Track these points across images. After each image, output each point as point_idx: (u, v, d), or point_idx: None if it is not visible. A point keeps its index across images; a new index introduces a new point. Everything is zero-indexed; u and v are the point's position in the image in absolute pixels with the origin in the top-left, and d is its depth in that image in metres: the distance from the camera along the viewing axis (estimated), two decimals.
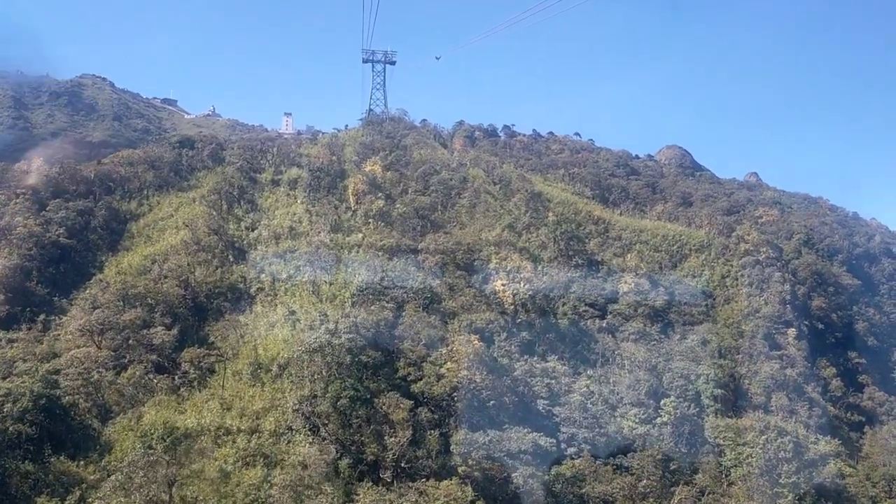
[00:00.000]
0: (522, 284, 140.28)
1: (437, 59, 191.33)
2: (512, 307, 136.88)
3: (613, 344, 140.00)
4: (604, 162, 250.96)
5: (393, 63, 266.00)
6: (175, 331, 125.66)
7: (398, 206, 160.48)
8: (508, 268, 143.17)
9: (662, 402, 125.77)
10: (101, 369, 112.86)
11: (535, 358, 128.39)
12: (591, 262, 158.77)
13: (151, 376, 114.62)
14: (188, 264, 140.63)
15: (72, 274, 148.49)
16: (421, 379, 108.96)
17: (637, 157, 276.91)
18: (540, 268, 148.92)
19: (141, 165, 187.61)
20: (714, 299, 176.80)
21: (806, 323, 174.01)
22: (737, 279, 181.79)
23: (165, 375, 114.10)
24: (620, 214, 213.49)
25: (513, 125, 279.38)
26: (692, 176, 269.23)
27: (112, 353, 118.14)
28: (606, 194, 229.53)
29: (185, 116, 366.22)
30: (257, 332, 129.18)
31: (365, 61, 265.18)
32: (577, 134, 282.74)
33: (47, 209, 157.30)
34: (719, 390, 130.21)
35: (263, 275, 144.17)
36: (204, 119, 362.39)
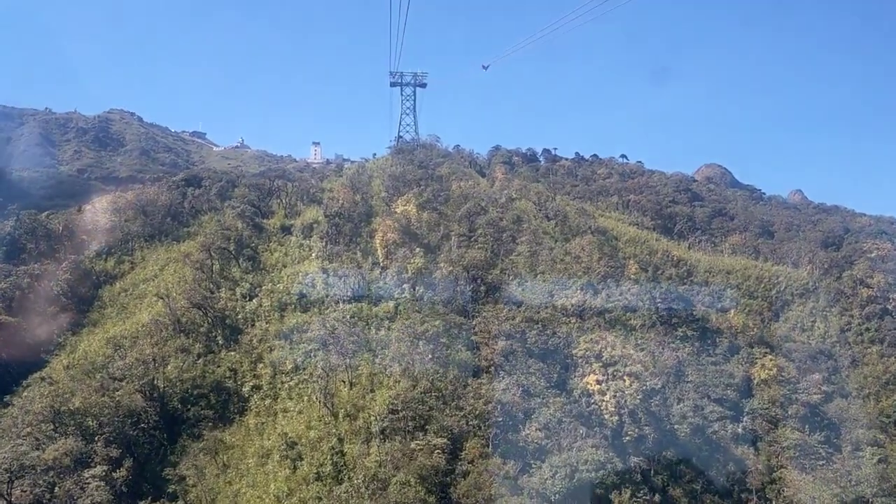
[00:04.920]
0: (628, 383, 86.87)
1: (485, 68, 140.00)
2: (616, 418, 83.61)
3: (764, 468, 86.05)
4: (661, 187, 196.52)
5: (423, 86, 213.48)
6: (125, 469, 75.38)
7: (441, 264, 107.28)
8: (603, 355, 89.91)
9: None
10: None
11: None
12: (704, 332, 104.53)
13: None
14: (154, 360, 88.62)
15: (16, 365, 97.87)
16: None
17: (694, 179, 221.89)
18: (639, 346, 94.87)
19: (129, 211, 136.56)
20: (836, 360, 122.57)
21: None
22: (861, 334, 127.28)
23: None
24: (689, 247, 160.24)
25: (555, 149, 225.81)
26: (760, 199, 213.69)
27: None
28: (669, 224, 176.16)
29: (214, 149, 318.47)
30: (244, 465, 77.49)
31: (393, 85, 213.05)
32: (623, 156, 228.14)
33: None
34: None
35: (261, 365, 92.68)
36: (232, 151, 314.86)
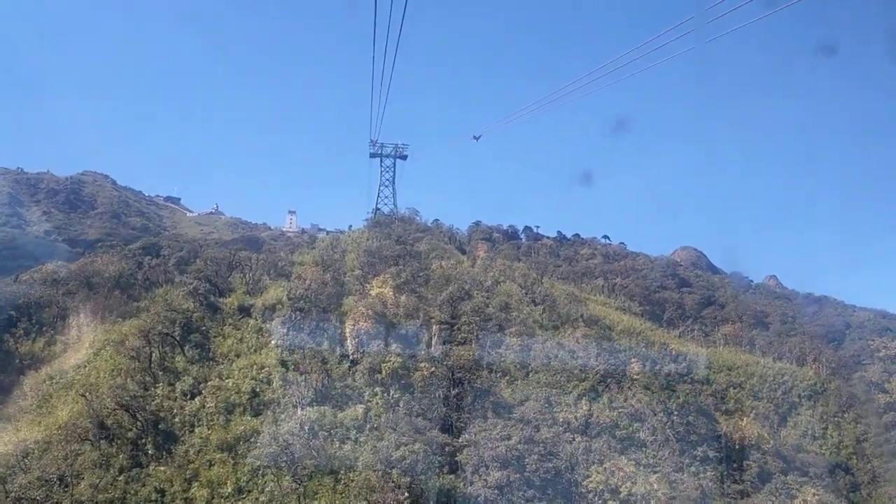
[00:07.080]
0: None
1: (476, 139, 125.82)
2: None
3: None
4: (648, 271, 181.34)
5: (404, 157, 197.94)
6: None
7: (422, 364, 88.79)
8: (621, 491, 71.49)
9: None
10: None
11: None
12: (728, 451, 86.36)
13: None
14: (61, 478, 68.18)
15: None
16: None
17: (679, 263, 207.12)
18: (653, 468, 76.51)
19: (71, 283, 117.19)
20: (853, 475, 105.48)
21: None
22: (881, 446, 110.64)
23: None
24: (680, 336, 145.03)
25: (537, 227, 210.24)
26: (750, 288, 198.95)
27: None
28: (658, 311, 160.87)
29: (188, 214, 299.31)
30: None
31: (373, 156, 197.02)
32: (605, 237, 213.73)
33: None
34: None
35: (196, 485, 72.64)
36: (206, 217, 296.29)
